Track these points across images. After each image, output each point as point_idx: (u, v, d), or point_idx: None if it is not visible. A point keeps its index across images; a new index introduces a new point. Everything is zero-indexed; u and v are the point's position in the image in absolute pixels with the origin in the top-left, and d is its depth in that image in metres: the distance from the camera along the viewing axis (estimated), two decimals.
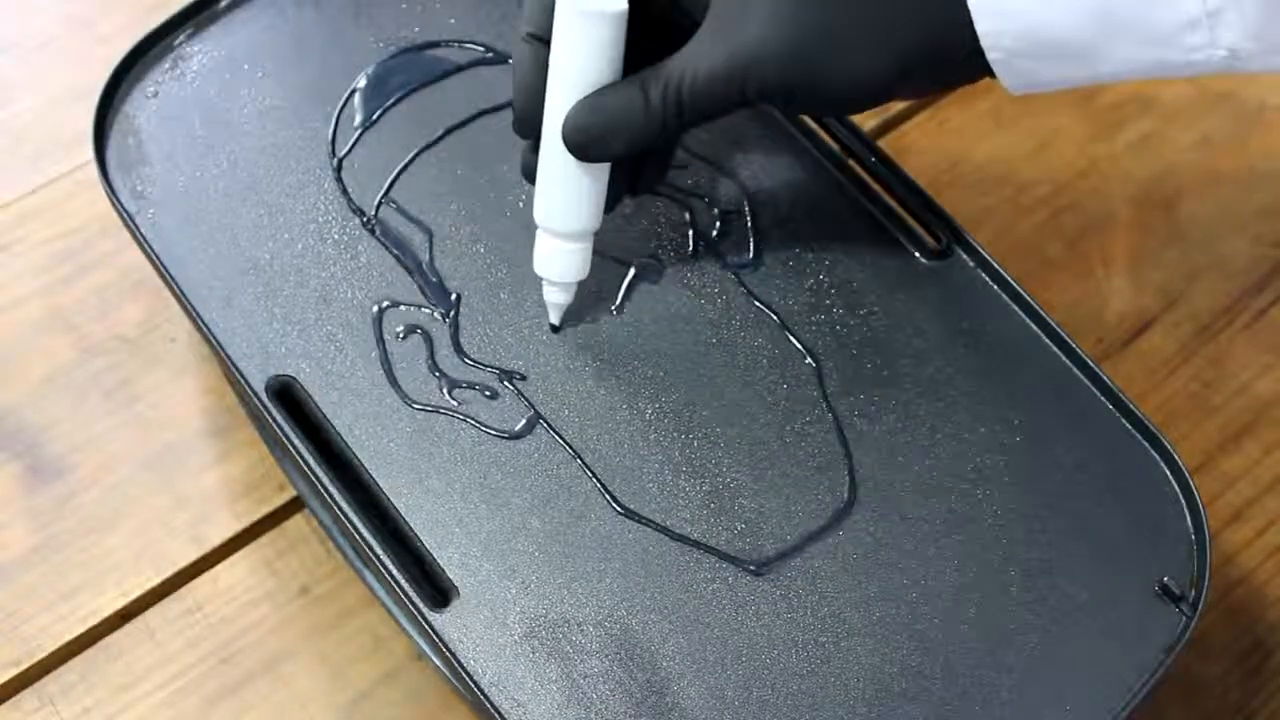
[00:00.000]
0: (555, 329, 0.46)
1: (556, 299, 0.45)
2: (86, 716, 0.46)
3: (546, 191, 0.43)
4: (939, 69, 0.41)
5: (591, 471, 0.43)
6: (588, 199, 0.43)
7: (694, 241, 0.48)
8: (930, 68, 0.40)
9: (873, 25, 0.39)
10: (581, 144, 0.41)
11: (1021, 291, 0.47)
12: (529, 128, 0.43)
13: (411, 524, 0.42)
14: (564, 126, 0.41)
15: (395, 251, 0.47)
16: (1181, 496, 0.44)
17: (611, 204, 0.44)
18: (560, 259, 0.44)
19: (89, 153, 0.47)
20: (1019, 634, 0.42)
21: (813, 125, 0.50)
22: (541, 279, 0.45)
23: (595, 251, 0.47)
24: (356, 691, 0.46)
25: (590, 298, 0.46)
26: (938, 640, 0.41)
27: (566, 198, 0.43)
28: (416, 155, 0.49)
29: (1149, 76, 0.39)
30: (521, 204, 0.48)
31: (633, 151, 0.41)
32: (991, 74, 0.40)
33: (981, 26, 0.39)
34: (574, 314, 0.46)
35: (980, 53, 0.39)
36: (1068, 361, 0.46)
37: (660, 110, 0.40)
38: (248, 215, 0.47)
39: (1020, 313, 0.47)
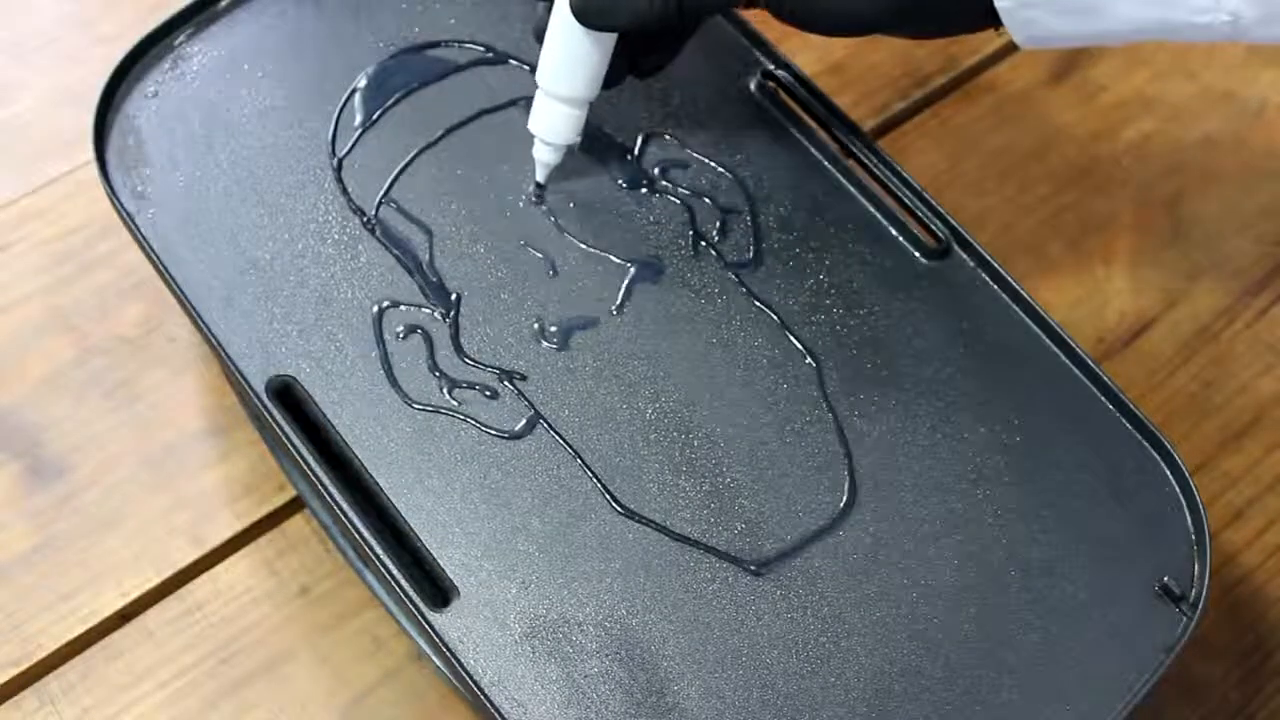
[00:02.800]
0: (539, 187, 0.48)
1: (545, 158, 0.47)
2: (86, 716, 0.46)
3: (551, 53, 0.45)
4: (941, 12, 0.42)
5: (591, 471, 0.43)
6: (588, 67, 0.45)
7: (694, 241, 0.48)
8: (932, 7, 0.41)
9: None
10: (587, 11, 0.43)
11: (1021, 291, 0.47)
12: None
13: (411, 524, 0.42)
14: None
15: (395, 251, 0.47)
16: (1181, 496, 0.44)
17: (614, 80, 0.46)
18: (554, 119, 0.46)
19: (89, 153, 0.47)
20: (1019, 634, 0.42)
21: (813, 125, 0.50)
22: (534, 136, 0.46)
23: (595, 250, 0.47)
24: (356, 691, 0.46)
25: (590, 298, 0.46)
26: (938, 640, 0.41)
27: (569, 63, 0.45)
28: (416, 155, 0.49)
29: (1153, 37, 0.40)
30: (521, 204, 0.48)
31: (634, 28, 0.43)
32: (996, 25, 0.41)
33: None
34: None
35: (985, 3, 0.40)
36: (1068, 361, 0.46)
37: None
38: (248, 215, 0.47)
39: (1020, 313, 0.47)
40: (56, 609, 0.47)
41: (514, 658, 0.40)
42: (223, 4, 0.51)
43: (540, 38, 0.45)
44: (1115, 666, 0.41)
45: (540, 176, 0.48)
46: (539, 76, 0.46)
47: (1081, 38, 0.41)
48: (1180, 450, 0.44)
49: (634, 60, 0.46)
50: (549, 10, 0.44)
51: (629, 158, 0.49)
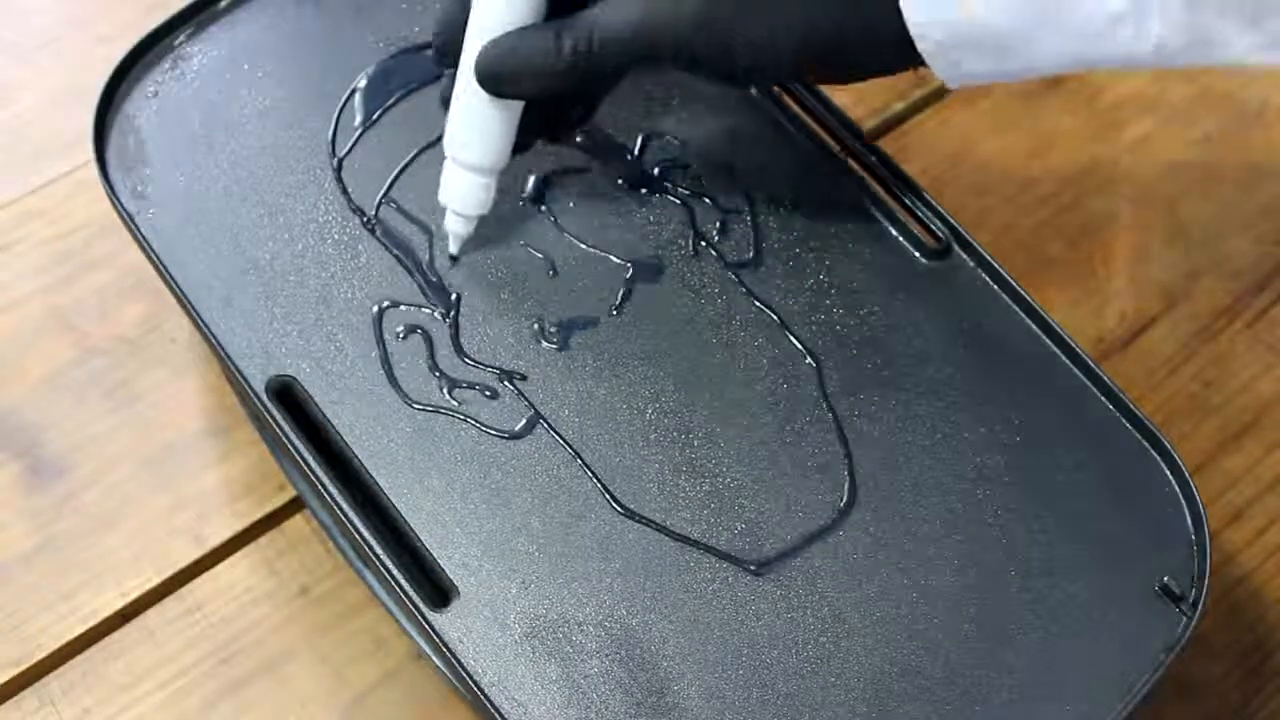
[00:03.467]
0: (454, 259, 0.47)
1: (458, 229, 0.46)
2: (86, 716, 0.46)
3: (457, 123, 0.44)
4: (855, 56, 0.42)
5: (591, 471, 0.43)
6: (498, 135, 0.44)
7: (694, 241, 0.48)
8: (844, 53, 0.41)
9: (786, 3, 0.40)
10: (492, 79, 0.42)
11: (1021, 291, 0.47)
12: (449, 56, 0.44)
13: (411, 524, 0.42)
14: (477, 60, 0.42)
15: (395, 251, 0.47)
16: (1181, 496, 0.44)
17: (525, 145, 0.45)
18: (465, 191, 0.45)
19: (89, 153, 0.47)
20: (1019, 634, 0.42)
21: (813, 125, 0.50)
22: (445, 207, 0.46)
23: (596, 250, 0.47)
24: (356, 691, 0.46)
25: (590, 298, 0.46)
26: (938, 640, 0.41)
27: (477, 131, 0.44)
28: (416, 155, 0.49)
29: (1079, 70, 0.40)
30: (521, 204, 0.48)
31: (542, 94, 0.43)
32: (916, 66, 0.41)
33: (912, 19, 0.39)
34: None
35: (907, 43, 0.40)
36: (1068, 361, 0.46)
37: (570, 58, 0.42)
38: (248, 215, 0.47)
39: (1020, 313, 0.47)
40: (56, 609, 0.47)
41: (514, 658, 0.40)
42: (223, 4, 0.51)
43: (446, 105, 0.44)
44: (1115, 666, 0.41)
45: (454, 248, 0.47)
46: (447, 146, 0.45)
47: (1006, 75, 0.41)
48: (1180, 450, 0.44)
49: (545, 124, 0.46)
50: (453, 78, 0.44)
51: (629, 158, 0.49)
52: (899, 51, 0.41)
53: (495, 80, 0.42)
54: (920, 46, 0.40)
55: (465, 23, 0.43)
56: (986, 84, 0.43)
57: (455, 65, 0.44)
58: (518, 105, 0.44)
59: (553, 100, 0.44)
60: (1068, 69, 0.41)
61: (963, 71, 0.41)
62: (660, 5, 0.41)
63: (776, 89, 0.51)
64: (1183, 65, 0.39)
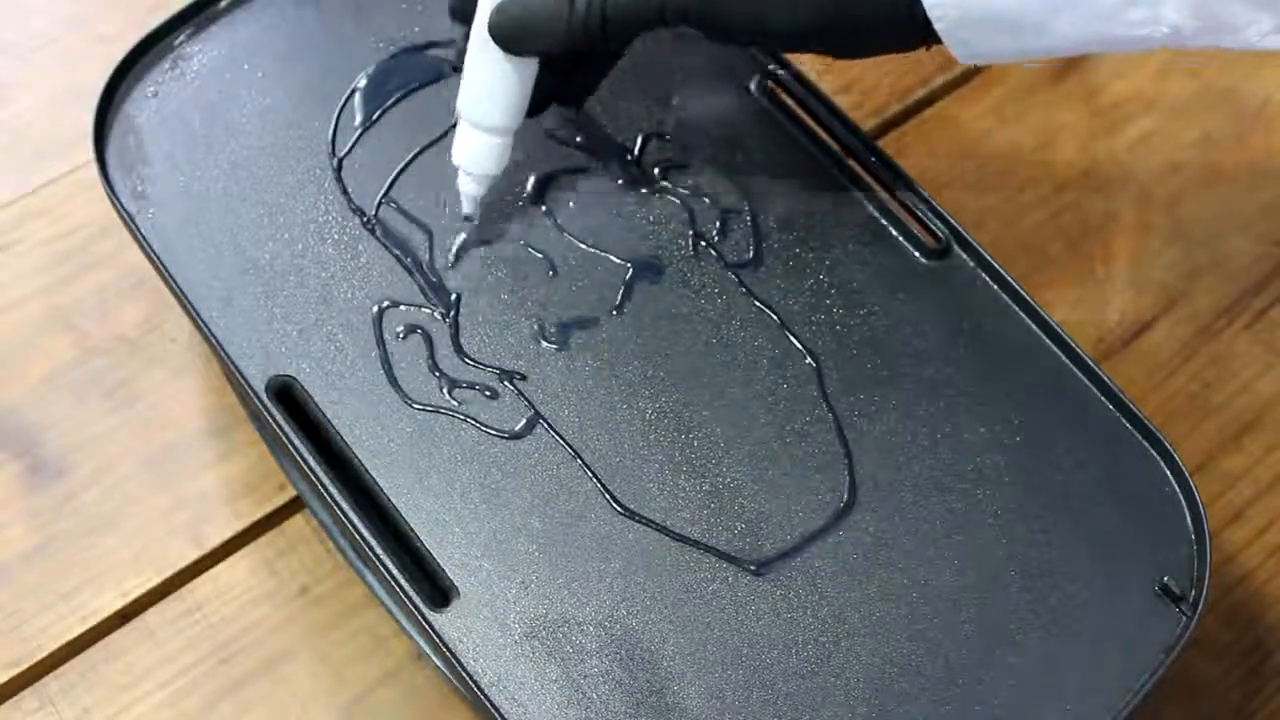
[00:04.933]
0: (468, 218, 0.47)
1: (470, 189, 0.46)
2: (86, 716, 0.46)
3: (471, 82, 0.44)
4: (866, 28, 0.42)
5: (591, 471, 0.43)
6: (510, 95, 0.44)
7: (694, 241, 0.48)
8: (854, 23, 0.41)
9: None
10: (505, 34, 0.42)
11: (1021, 291, 0.47)
12: (463, 13, 0.44)
13: (411, 524, 0.42)
14: (491, 16, 0.42)
15: (395, 251, 0.47)
16: (1181, 496, 0.44)
17: (537, 108, 0.45)
18: (477, 150, 0.45)
19: (89, 153, 0.47)
20: (1019, 634, 0.42)
21: (813, 125, 0.50)
22: (457, 168, 0.46)
23: (596, 250, 0.47)
24: (356, 691, 0.46)
25: (590, 298, 0.46)
26: (938, 640, 0.41)
27: (490, 90, 0.44)
28: (416, 155, 0.49)
29: (1093, 50, 0.41)
30: (521, 204, 0.48)
31: (553, 51, 0.43)
32: (926, 43, 0.41)
33: None
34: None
35: (920, 20, 0.40)
36: (1068, 361, 0.46)
37: (584, 17, 0.42)
38: (248, 215, 0.47)
39: (1020, 313, 0.47)
40: (56, 609, 0.47)
41: (514, 658, 0.40)
42: (223, 4, 0.51)
43: (459, 66, 0.45)
44: (1115, 666, 0.41)
45: (467, 208, 0.47)
46: (460, 106, 0.45)
47: (1022, 54, 0.41)
48: (1180, 450, 0.44)
49: (558, 87, 0.46)
50: (466, 36, 0.44)
51: (629, 158, 0.49)
52: (913, 27, 0.41)
53: (509, 37, 0.42)
54: (936, 25, 0.40)
55: None
56: (1001, 64, 0.43)
57: (469, 21, 0.44)
58: (532, 64, 0.44)
59: (565, 61, 0.45)
60: (1082, 50, 0.41)
61: (977, 50, 0.41)
62: None
63: (775, 87, 0.50)
64: (1197, 48, 0.39)
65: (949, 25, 0.40)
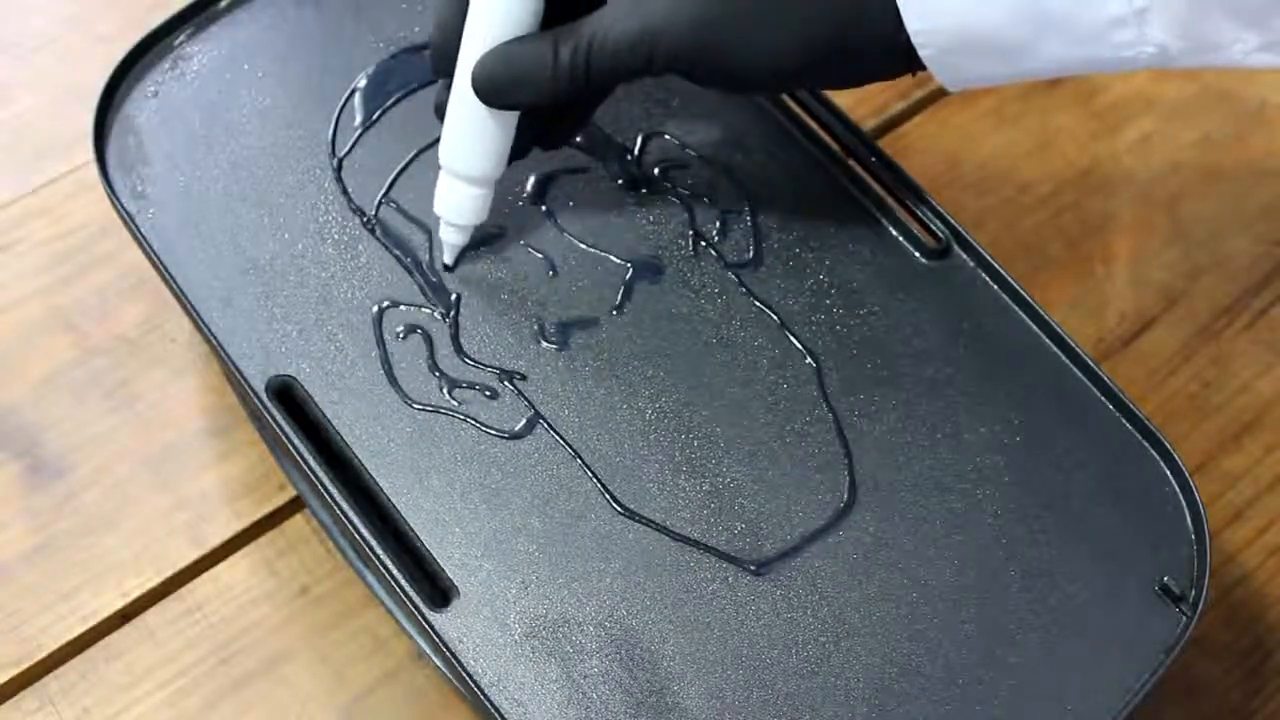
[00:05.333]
0: (449, 268, 0.47)
1: (453, 239, 0.46)
2: (86, 716, 0.46)
3: (452, 133, 0.44)
4: (853, 62, 0.41)
5: (591, 471, 0.43)
6: (492, 145, 0.44)
7: (694, 241, 0.48)
8: (842, 59, 0.41)
9: (784, 10, 0.40)
10: (489, 90, 0.42)
11: (1021, 291, 0.47)
12: (444, 66, 0.44)
13: (411, 524, 0.42)
14: (474, 71, 0.42)
15: (395, 251, 0.47)
16: (1181, 496, 0.44)
17: (520, 153, 0.45)
18: (459, 201, 0.45)
19: (89, 153, 0.47)
20: (1019, 634, 0.42)
21: (813, 125, 0.50)
22: (439, 218, 0.45)
23: (596, 250, 0.47)
24: (356, 691, 0.46)
25: (590, 298, 0.46)
26: (938, 640, 0.41)
27: (471, 141, 0.43)
28: (416, 155, 0.49)
29: (1081, 73, 0.41)
30: (521, 204, 0.48)
31: (538, 104, 0.42)
32: (913, 71, 0.41)
33: (913, 25, 0.39)
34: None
35: (904, 49, 0.40)
36: (1068, 361, 0.46)
37: (568, 68, 0.41)
38: (248, 215, 0.47)
39: (1020, 313, 0.47)
40: (56, 609, 0.47)
41: (514, 658, 0.40)
42: (223, 4, 0.51)
43: (441, 115, 0.44)
44: (1115, 666, 0.41)
45: (448, 258, 0.46)
46: (442, 156, 0.44)
47: (1008, 78, 0.41)
48: (1180, 450, 0.44)
49: (540, 134, 0.46)
50: (448, 88, 0.43)
51: (629, 158, 0.49)
52: (899, 57, 0.41)
53: (492, 91, 0.42)
54: (922, 53, 0.40)
55: (461, 31, 0.42)
56: (988, 87, 0.43)
57: (450, 74, 0.43)
58: (513, 115, 0.43)
59: (548, 109, 0.44)
60: (1069, 72, 0.41)
61: (964, 76, 0.41)
62: (655, 13, 0.40)
63: None
64: (1184, 68, 0.39)
65: (934, 53, 0.40)
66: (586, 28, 0.41)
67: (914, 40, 0.40)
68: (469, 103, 0.43)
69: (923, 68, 0.41)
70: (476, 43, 0.42)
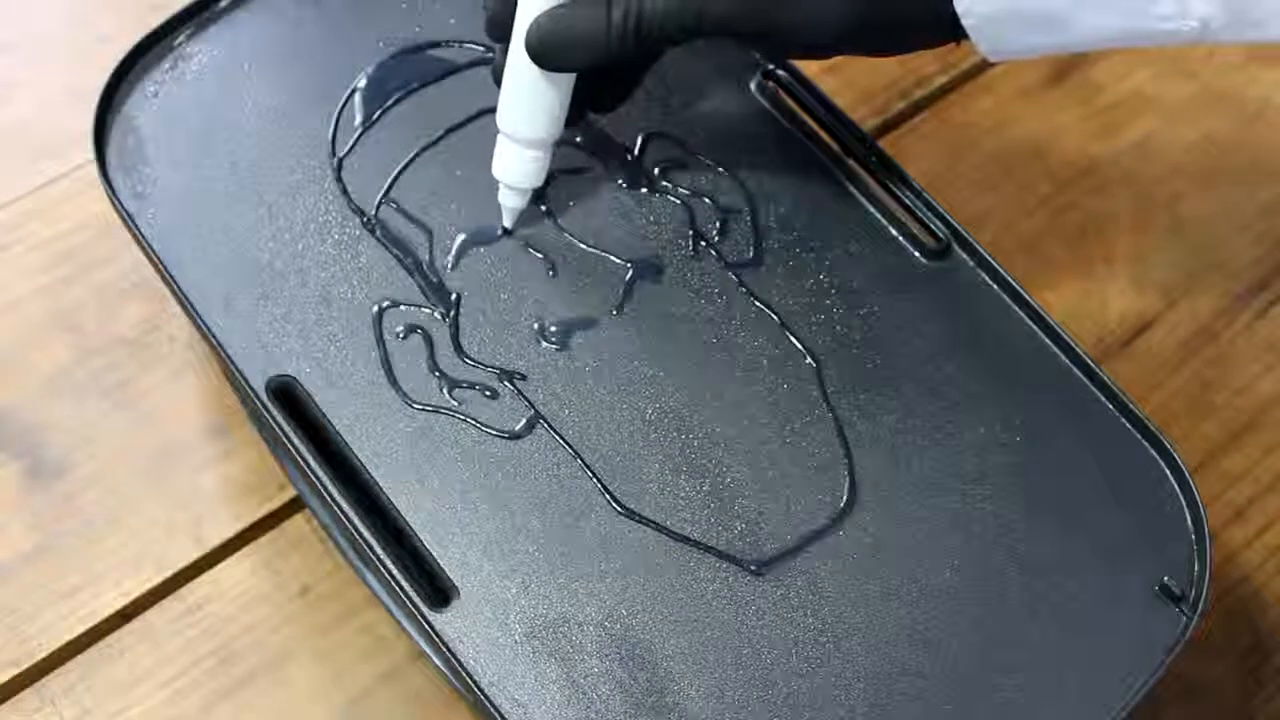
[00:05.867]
0: (508, 232, 0.47)
1: (511, 203, 0.46)
2: (87, 716, 0.46)
3: (510, 97, 0.44)
4: (899, 29, 0.42)
5: (591, 471, 0.43)
6: (549, 108, 0.44)
7: (694, 241, 0.48)
8: (888, 26, 0.42)
9: None
10: (543, 52, 0.42)
11: (1021, 291, 0.47)
12: (501, 30, 0.44)
13: (411, 524, 0.42)
14: (528, 33, 0.42)
15: (395, 251, 0.47)
16: (1181, 496, 0.44)
17: (575, 118, 0.46)
18: (518, 164, 0.45)
19: (89, 153, 0.47)
20: (1019, 634, 0.42)
21: (813, 125, 0.50)
22: (498, 182, 0.46)
23: (596, 250, 0.47)
24: (356, 691, 0.46)
25: (590, 298, 0.46)
26: (938, 640, 0.41)
27: (529, 105, 0.44)
28: (416, 155, 0.49)
29: (1121, 45, 0.41)
30: None
31: (592, 65, 0.43)
32: (955, 39, 0.42)
33: None
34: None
35: (949, 17, 0.40)
36: (1068, 361, 0.46)
37: (621, 29, 0.42)
38: (248, 215, 0.47)
39: (1020, 313, 0.47)
40: (56, 609, 0.47)
41: (514, 658, 0.40)
42: (223, 4, 0.51)
43: (498, 81, 0.45)
44: (1115, 666, 0.41)
45: (508, 222, 0.47)
46: (500, 120, 0.45)
47: (1049, 49, 0.42)
48: (1180, 450, 0.44)
49: (593, 97, 0.46)
50: (505, 52, 0.44)
51: (629, 158, 0.49)
52: (942, 25, 0.41)
53: (545, 53, 0.42)
54: (965, 21, 0.40)
55: None
56: (1028, 59, 0.44)
57: (506, 40, 0.44)
58: (569, 78, 0.44)
59: (600, 73, 0.45)
60: (1109, 44, 0.41)
61: (1004, 46, 0.41)
62: None
63: (775, 87, 0.51)
64: (1228, 43, 0.39)
65: (977, 22, 0.40)
66: None
67: (958, 8, 0.40)
68: (526, 66, 0.43)
69: (966, 36, 0.41)
70: (532, 6, 0.42)
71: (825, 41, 0.43)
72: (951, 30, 0.41)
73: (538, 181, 0.46)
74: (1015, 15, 0.40)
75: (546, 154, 0.45)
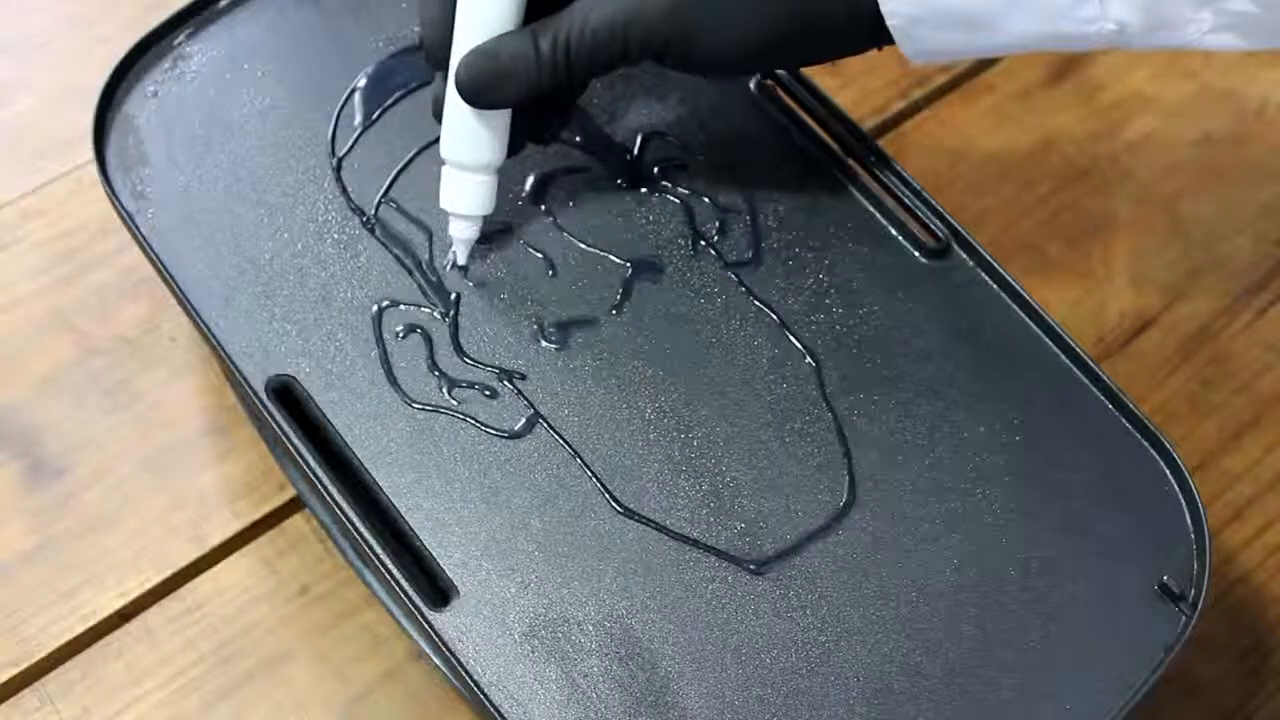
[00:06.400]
0: (462, 269, 0.46)
1: (464, 234, 0.46)
2: (86, 716, 0.46)
3: (452, 124, 0.44)
4: (823, 37, 0.43)
5: (591, 471, 0.43)
6: (492, 132, 0.44)
7: (694, 241, 0.48)
8: (812, 35, 0.42)
9: None
10: (474, 90, 0.42)
11: (1021, 291, 0.47)
12: (437, 60, 0.44)
13: (411, 524, 0.42)
14: (457, 72, 0.42)
15: (395, 251, 0.47)
16: (1181, 496, 0.44)
17: (515, 148, 0.45)
18: (466, 192, 0.45)
19: (89, 153, 0.47)
20: (1019, 634, 0.42)
21: (813, 125, 0.50)
22: (448, 215, 0.45)
23: (596, 250, 0.47)
24: (356, 691, 0.46)
25: (590, 297, 0.46)
26: (938, 640, 0.41)
27: (471, 129, 0.44)
28: (416, 155, 0.49)
29: (1041, 48, 0.42)
30: (521, 203, 0.48)
31: (524, 99, 0.43)
32: (878, 45, 0.42)
33: None
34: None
35: (871, 21, 0.41)
36: (1068, 361, 0.46)
37: (550, 60, 0.42)
38: (248, 215, 0.47)
39: (1020, 312, 0.47)
40: (56, 609, 0.47)
41: (514, 657, 0.40)
42: (223, 4, 0.51)
43: (438, 112, 0.44)
44: (1115, 666, 0.41)
45: (461, 258, 0.46)
46: (443, 149, 0.44)
47: (971, 51, 0.42)
48: (1180, 450, 0.44)
49: (531, 127, 0.46)
50: (445, 79, 0.43)
51: (629, 157, 0.49)
52: (863, 30, 0.42)
53: (476, 91, 0.42)
54: (890, 21, 0.41)
55: (449, 22, 0.43)
56: (947, 61, 0.44)
57: (445, 67, 0.43)
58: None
59: (534, 103, 0.44)
60: (1032, 47, 0.41)
61: (927, 47, 0.42)
62: (631, 1, 0.41)
63: (775, 87, 0.51)
64: (1143, 48, 0.40)
65: (901, 22, 0.41)
66: (564, 19, 0.42)
67: (883, 9, 0.40)
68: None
69: (890, 41, 0.42)
70: (465, 41, 0.42)
71: (753, 58, 0.43)
72: (874, 35, 0.42)
73: (487, 209, 0.45)
74: (939, 16, 0.40)
75: (493, 179, 0.45)
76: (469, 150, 0.44)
